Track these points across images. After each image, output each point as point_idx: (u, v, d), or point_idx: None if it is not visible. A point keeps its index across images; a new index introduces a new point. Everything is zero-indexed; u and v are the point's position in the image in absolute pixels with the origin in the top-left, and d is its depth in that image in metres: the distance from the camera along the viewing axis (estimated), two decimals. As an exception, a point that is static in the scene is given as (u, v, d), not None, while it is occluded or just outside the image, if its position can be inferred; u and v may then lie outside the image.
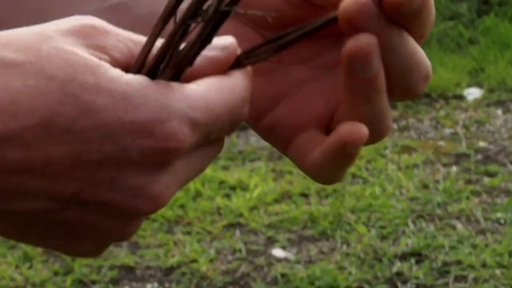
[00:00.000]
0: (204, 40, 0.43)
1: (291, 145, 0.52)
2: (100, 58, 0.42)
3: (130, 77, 0.42)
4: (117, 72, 0.42)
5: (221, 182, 3.02)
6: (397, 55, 0.47)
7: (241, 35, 0.52)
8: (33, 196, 0.41)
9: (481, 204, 2.84)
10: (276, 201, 2.91)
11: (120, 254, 2.65)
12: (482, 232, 2.70)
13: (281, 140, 0.52)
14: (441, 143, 3.28)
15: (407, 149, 3.23)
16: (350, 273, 2.54)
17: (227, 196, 2.95)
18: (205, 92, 0.43)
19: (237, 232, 2.77)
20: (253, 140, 3.36)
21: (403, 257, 2.61)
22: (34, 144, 0.40)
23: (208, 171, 3.05)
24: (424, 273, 2.53)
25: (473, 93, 3.69)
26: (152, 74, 0.43)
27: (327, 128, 0.50)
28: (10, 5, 0.58)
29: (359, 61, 0.45)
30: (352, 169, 3.06)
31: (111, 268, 2.62)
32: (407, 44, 0.47)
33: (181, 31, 0.43)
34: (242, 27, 0.53)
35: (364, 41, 0.45)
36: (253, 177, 3.04)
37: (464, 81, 3.78)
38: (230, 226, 2.80)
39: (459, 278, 2.52)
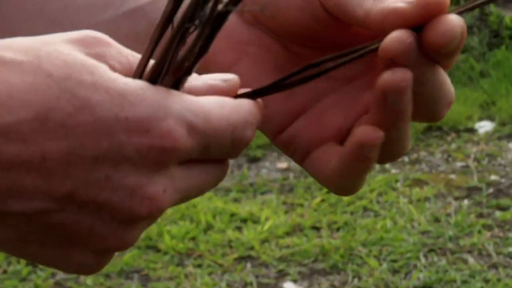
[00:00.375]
0: (203, 44, 0.43)
1: (309, 158, 0.52)
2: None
3: (128, 79, 0.42)
4: (115, 74, 0.42)
5: (232, 215, 3.01)
6: (429, 87, 0.49)
7: (265, 47, 0.54)
8: (29, 194, 0.41)
9: (493, 238, 2.82)
10: (287, 234, 2.90)
11: (131, 286, 2.65)
12: (494, 266, 2.68)
13: (299, 152, 0.53)
14: (453, 176, 3.27)
15: (419, 182, 3.22)
16: (361, 307, 2.53)
17: (238, 228, 2.95)
18: (206, 103, 0.43)
19: (248, 265, 2.76)
20: (264, 172, 3.36)
21: (415, 291, 2.60)
22: (29, 138, 0.40)
23: (219, 203, 3.06)
24: (436, 307, 2.52)
25: (484, 126, 3.68)
26: (152, 82, 0.43)
27: (344, 141, 0.51)
28: (28, 17, 0.59)
29: (393, 95, 0.46)
30: (363, 202, 3.06)
31: (122, 300, 2.61)
32: (439, 77, 0.49)
33: (179, 36, 0.42)
34: (267, 39, 0.54)
35: (400, 76, 0.46)
36: (264, 209, 3.03)
37: (475, 114, 3.78)
38: (241, 259, 2.79)
39: (471, 313, 2.51)
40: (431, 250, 2.77)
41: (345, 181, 0.51)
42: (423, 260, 2.72)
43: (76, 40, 0.43)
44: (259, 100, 0.47)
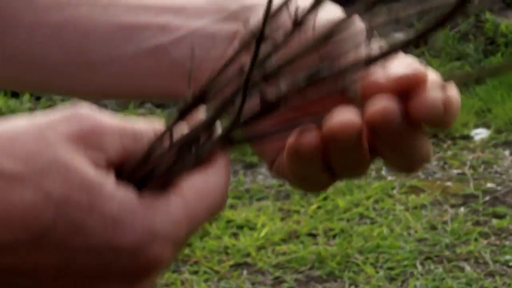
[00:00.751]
0: (195, 162, 0.47)
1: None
2: (97, 159, 0.45)
3: (121, 197, 0.44)
4: (110, 191, 0.44)
5: (229, 221, 3.01)
6: (409, 147, 0.52)
7: None
8: (18, 286, 0.45)
9: (489, 246, 2.83)
10: (284, 240, 2.90)
11: (126, 293, 2.64)
12: (491, 274, 2.69)
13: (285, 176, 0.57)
14: (449, 183, 3.27)
15: (415, 190, 3.22)
16: (358, 315, 2.53)
17: (235, 235, 2.94)
18: (188, 204, 0.46)
19: (245, 272, 2.75)
20: (260, 178, 3.36)
21: (412, 299, 2.60)
22: (24, 253, 0.43)
23: (216, 210, 3.05)
24: (432, 315, 2.52)
25: (480, 134, 3.69)
26: (143, 181, 0.46)
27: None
28: (43, 42, 0.60)
29: (341, 140, 0.49)
30: (359, 209, 3.06)
31: (118, 307, 2.61)
32: (420, 140, 0.52)
33: (175, 154, 0.46)
34: None
35: (349, 126, 0.49)
36: (261, 216, 3.03)
37: (471, 122, 3.79)
38: (238, 265, 2.79)
39: (468, 321, 2.51)
40: (427, 258, 2.77)
41: (297, 183, 0.55)
42: (419, 268, 2.72)
43: (75, 136, 0.44)
44: (229, 154, 0.49)
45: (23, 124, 0.44)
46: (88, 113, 0.45)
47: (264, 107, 0.47)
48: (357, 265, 2.74)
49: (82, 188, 0.43)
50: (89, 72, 0.58)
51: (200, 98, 0.47)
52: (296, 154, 0.51)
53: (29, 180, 0.42)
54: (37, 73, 0.61)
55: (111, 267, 0.45)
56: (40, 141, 0.43)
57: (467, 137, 3.69)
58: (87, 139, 0.45)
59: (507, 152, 3.54)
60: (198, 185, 0.47)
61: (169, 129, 0.47)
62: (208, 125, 0.47)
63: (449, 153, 3.56)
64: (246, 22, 0.55)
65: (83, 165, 0.44)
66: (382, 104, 0.48)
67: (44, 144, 0.43)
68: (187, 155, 0.47)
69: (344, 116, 0.48)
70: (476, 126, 3.77)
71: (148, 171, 0.46)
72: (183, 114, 0.47)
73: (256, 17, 0.54)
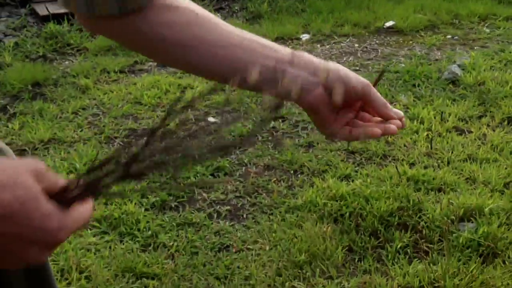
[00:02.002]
0: (81, 200, 0.95)
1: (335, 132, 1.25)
2: (38, 189, 0.90)
3: (50, 205, 0.91)
4: (45, 202, 0.90)
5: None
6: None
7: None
8: None
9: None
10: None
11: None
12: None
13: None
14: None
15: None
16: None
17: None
18: (78, 218, 0.95)
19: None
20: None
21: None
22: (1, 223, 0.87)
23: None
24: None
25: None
26: (61, 202, 0.93)
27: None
28: (220, 63, 1.24)
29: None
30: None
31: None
32: None
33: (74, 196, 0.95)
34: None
35: None
36: None
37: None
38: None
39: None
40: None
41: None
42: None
43: (33, 171, 0.91)
44: (91, 202, 0.98)
45: (5, 160, 0.90)
46: (39, 162, 0.92)
47: (124, 177, 0.93)
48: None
49: (35, 198, 0.89)
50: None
51: (97, 166, 0.95)
52: (374, 137, 1.20)
53: (8, 188, 0.87)
54: (210, 75, 1.25)
55: (41, 239, 0.90)
56: (15, 169, 0.89)
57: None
58: (38, 174, 0.91)
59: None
60: (82, 210, 0.95)
61: (75, 181, 0.95)
62: (90, 185, 0.95)
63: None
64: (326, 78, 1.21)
65: (35, 186, 0.90)
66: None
67: (17, 172, 0.89)
68: (78, 197, 0.94)
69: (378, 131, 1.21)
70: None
71: (60, 199, 0.93)
72: (89, 172, 0.95)
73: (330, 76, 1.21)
